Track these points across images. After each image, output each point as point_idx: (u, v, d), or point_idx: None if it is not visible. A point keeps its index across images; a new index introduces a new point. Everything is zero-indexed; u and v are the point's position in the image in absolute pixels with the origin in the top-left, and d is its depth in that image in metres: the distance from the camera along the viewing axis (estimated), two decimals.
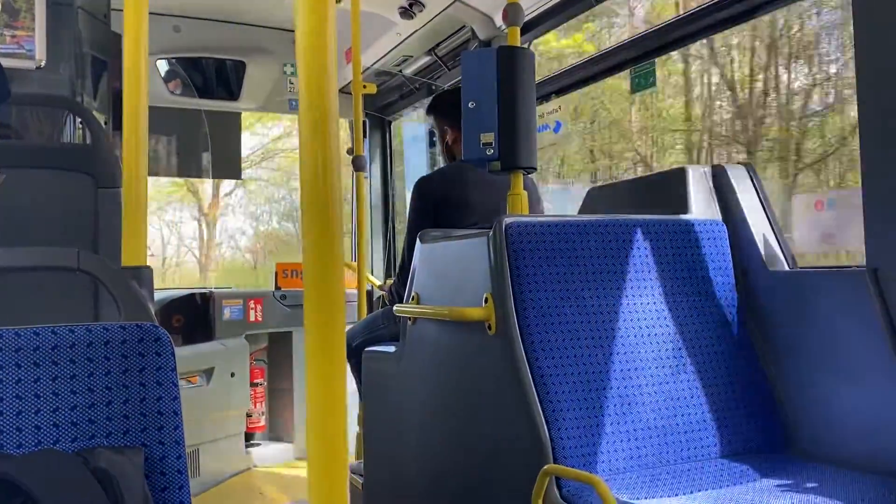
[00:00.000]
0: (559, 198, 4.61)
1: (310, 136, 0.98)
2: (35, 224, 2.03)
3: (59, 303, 1.92)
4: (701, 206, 2.08)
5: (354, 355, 3.06)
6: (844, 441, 1.76)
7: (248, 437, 4.18)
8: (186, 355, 3.71)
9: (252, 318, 4.13)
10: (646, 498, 1.57)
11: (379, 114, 4.77)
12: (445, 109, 3.02)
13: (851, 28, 1.69)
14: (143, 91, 1.56)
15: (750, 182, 2.10)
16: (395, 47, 3.89)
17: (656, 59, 2.77)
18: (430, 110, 3.13)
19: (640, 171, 4.53)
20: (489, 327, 1.82)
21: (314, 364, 1.00)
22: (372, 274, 4.62)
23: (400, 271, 3.04)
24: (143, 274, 1.38)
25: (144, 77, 1.56)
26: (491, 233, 1.86)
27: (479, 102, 2.14)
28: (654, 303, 1.92)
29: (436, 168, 4.24)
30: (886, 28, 1.60)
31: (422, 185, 3.00)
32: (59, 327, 1.05)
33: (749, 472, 1.74)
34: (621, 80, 3.38)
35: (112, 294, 1.16)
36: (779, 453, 1.87)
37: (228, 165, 4.86)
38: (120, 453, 1.00)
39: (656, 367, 1.85)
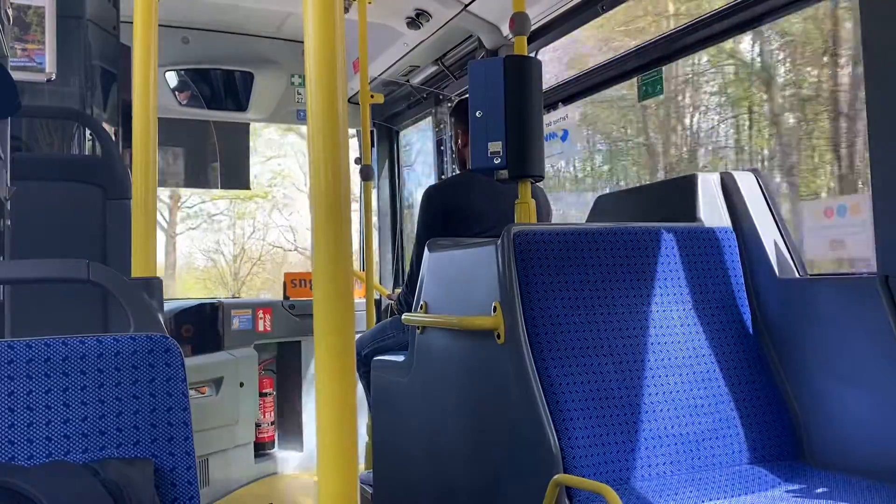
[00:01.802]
0: None
1: (319, 146, 0.98)
2: (45, 235, 2.05)
3: (70, 314, 1.93)
4: (710, 213, 2.08)
5: (363, 364, 3.06)
6: (856, 449, 1.74)
7: (258, 447, 4.18)
8: (195, 365, 3.72)
9: (261, 328, 4.14)
10: None
11: (387, 123, 4.78)
12: (462, 114, 3.08)
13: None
14: (152, 102, 1.57)
15: (758, 189, 2.09)
16: (403, 57, 3.90)
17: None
18: (452, 113, 3.27)
19: None
20: (498, 336, 1.82)
21: (324, 373, 1.00)
22: (380, 283, 4.63)
23: (408, 280, 3.05)
24: (152, 285, 1.39)
25: (153, 88, 1.57)
26: (499, 241, 1.86)
27: (487, 111, 2.14)
28: (664, 311, 1.92)
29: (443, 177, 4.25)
30: (893, 35, 1.59)
31: (430, 194, 3.01)
32: (69, 338, 1.06)
33: (761, 481, 1.72)
34: None
35: (122, 305, 1.16)
36: (790, 461, 1.86)
37: (237, 176, 4.89)
38: (130, 465, 1.00)
39: (666, 376, 1.84)
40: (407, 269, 3.26)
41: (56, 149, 2.76)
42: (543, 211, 2.99)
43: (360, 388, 3.25)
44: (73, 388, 1.04)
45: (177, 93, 4.34)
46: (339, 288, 0.97)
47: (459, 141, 3.12)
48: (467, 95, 2.23)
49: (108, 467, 0.97)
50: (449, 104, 4.16)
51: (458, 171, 3.31)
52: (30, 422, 1.01)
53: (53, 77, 2.44)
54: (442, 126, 4.30)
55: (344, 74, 1.00)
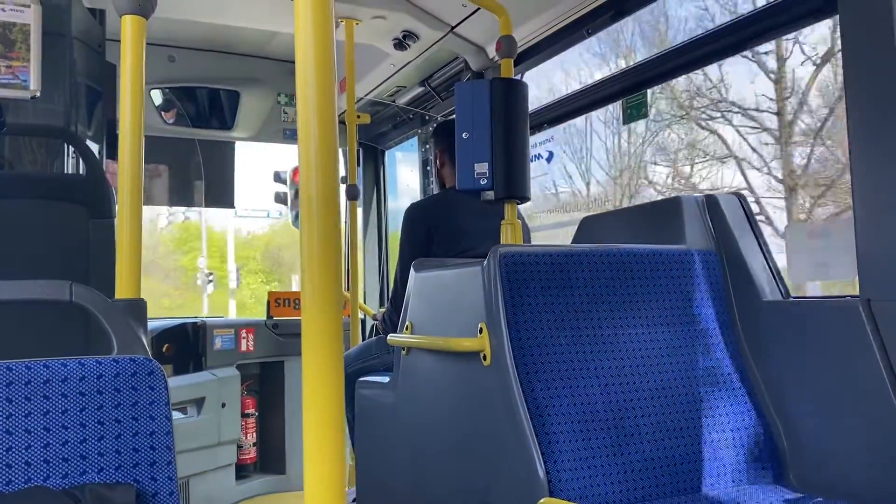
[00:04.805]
0: None
1: (309, 166, 0.98)
2: (28, 255, 2.02)
3: (52, 336, 1.90)
4: (695, 235, 2.09)
5: (346, 384, 3.04)
6: (839, 472, 1.75)
7: (240, 468, 4.12)
8: (177, 385, 3.67)
9: (244, 348, 4.10)
10: None
11: (373, 143, 4.79)
12: (442, 136, 3.11)
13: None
14: (139, 121, 1.56)
15: (742, 212, 2.11)
16: (389, 78, 3.92)
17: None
18: (433, 134, 3.30)
19: None
20: (484, 357, 1.81)
21: (312, 394, 0.99)
22: (365, 302, 4.61)
23: (392, 298, 3.04)
24: (137, 306, 1.37)
25: (140, 107, 1.56)
26: (485, 262, 1.86)
27: (473, 133, 2.15)
28: (649, 333, 1.92)
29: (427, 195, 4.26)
30: (874, 59, 1.62)
31: (413, 212, 3.00)
32: (51, 361, 1.04)
33: None
34: None
35: (106, 327, 1.15)
36: (774, 484, 1.86)
37: (222, 194, 4.86)
38: (111, 490, 0.98)
39: (651, 399, 1.84)
40: (391, 286, 3.25)
41: (41, 166, 2.73)
42: (522, 231, 3.00)
43: None
44: (53, 411, 1.02)
45: (163, 111, 4.32)
46: (329, 308, 0.96)
47: (438, 161, 3.15)
48: (450, 117, 2.25)
49: (88, 493, 0.96)
50: (435, 125, 4.18)
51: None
52: (9, 446, 0.99)
53: (38, 94, 2.42)
54: (427, 147, 4.32)
55: (335, 95, 0.99)
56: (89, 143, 2.86)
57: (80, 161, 2.56)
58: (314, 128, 0.96)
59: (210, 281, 22.76)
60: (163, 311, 22.25)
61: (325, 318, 0.93)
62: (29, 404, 1.01)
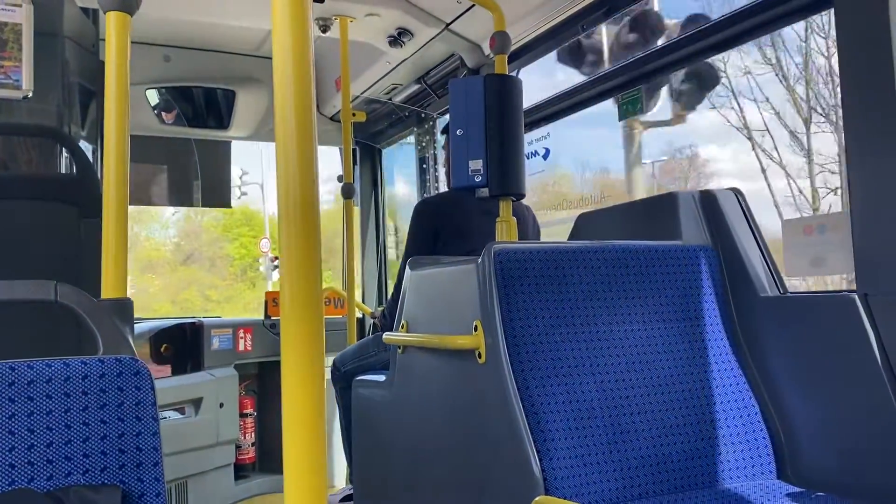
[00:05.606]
0: None
1: (288, 165, 0.96)
2: (18, 255, 2.01)
3: (37, 336, 1.89)
4: (691, 231, 2.08)
5: (342, 380, 3.03)
6: (837, 467, 1.74)
7: (238, 468, 4.11)
8: (174, 386, 3.66)
9: (241, 348, 4.09)
10: None
11: (369, 141, 4.78)
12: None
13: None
14: (124, 118, 1.54)
15: (739, 207, 2.10)
16: (385, 76, 3.91)
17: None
18: (443, 131, 3.32)
19: None
20: (479, 355, 1.80)
21: (291, 395, 0.98)
22: (363, 301, 4.60)
23: (395, 292, 3.02)
24: (123, 306, 1.36)
25: (125, 105, 1.55)
26: (479, 260, 1.85)
27: (467, 129, 2.14)
28: (645, 330, 1.91)
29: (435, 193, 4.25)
30: (869, 52, 1.61)
31: (421, 209, 2.98)
32: (35, 362, 1.03)
33: (742, 500, 1.71)
34: None
35: (91, 327, 1.13)
36: (772, 480, 1.85)
37: (218, 194, 4.86)
38: (96, 492, 0.97)
39: (647, 395, 1.83)
40: (393, 282, 3.24)
41: (34, 166, 2.72)
42: (531, 230, 2.98)
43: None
44: (38, 412, 1.01)
45: (160, 112, 4.31)
46: (308, 308, 0.95)
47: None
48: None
49: (73, 495, 0.94)
50: (431, 122, 4.17)
51: (442, 189, 3.32)
52: None
53: (30, 94, 2.41)
54: (424, 144, 4.30)
55: (312, 91, 0.98)
56: (83, 143, 2.85)
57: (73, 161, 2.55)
58: (292, 126, 0.94)
59: (275, 267, 20.48)
60: (211, 305, 21.14)
61: (304, 322, 0.92)
62: (12, 406, 1.00)
